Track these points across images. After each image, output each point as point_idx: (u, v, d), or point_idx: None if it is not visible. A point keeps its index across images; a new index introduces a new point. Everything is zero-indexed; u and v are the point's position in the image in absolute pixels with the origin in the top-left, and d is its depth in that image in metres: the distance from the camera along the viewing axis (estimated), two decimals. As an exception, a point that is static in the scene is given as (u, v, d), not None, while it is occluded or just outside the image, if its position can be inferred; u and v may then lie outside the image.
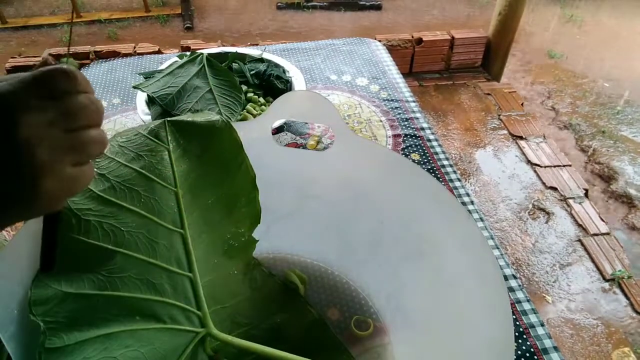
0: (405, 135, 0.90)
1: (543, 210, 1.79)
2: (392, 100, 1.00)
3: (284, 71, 0.92)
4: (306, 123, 0.91)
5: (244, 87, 0.88)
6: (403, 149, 0.87)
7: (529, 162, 1.99)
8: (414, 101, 1.00)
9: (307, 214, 0.59)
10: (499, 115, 2.25)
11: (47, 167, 0.27)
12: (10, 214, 0.28)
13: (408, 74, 2.50)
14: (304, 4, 3.33)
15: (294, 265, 0.62)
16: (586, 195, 1.84)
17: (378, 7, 3.33)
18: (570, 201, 1.80)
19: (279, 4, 3.35)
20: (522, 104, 2.32)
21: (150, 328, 0.39)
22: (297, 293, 0.54)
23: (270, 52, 0.98)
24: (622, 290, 1.51)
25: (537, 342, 0.58)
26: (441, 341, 0.44)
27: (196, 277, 0.44)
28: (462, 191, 0.78)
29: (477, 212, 0.75)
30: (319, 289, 0.60)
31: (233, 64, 0.93)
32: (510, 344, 0.36)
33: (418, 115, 0.96)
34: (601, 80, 2.59)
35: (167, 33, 3.04)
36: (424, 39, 2.40)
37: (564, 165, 1.96)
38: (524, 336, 0.58)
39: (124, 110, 0.98)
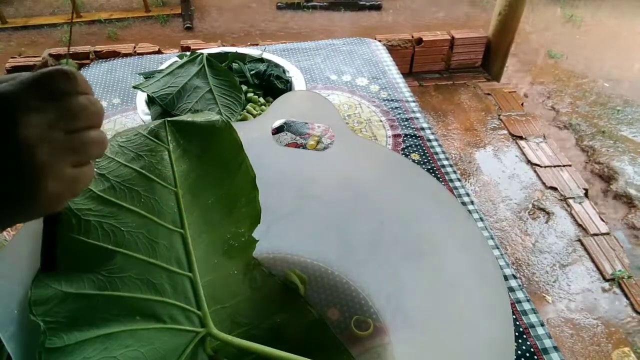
0: (405, 135, 0.90)
1: (543, 210, 1.79)
2: (392, 100, 1.00)
3: (284, 71, 0.92)
4: (306, 123, 0.91)
5: (244, 87, 0.88)
6: (403, 149, 0.87)
7: (529, 162, 1.99)
8: (414, 101, 1.00)
9: (307, 214, 0.59)
10: (499, 115, 2.25)
11: (48, 168, 0.27)
12: (10, 215, 0.28)
13: (408, 74, 2.50)
14: (304, 4, 3.33)
15: (294, 265, 0.62)
16: (586, 195, 1.84)
17: (378, 7, 3.33)
18: (570, 201, 1.80)
19: (279, 4, 3.35)
20: (522, 104, 2.32)
21: (150, 328, 0.39)
22: (297, 293, 0.54)
23: (270, 52, 0.98)
24: (622, 290, 1.51)
25: (537, 342, 0.58)
26: (441, 341, 0.44)
27: (196, 277, 0.44)
28: (462, 191, 0.78)
29: (477, 212, 0.75)
30: (319, 289, 0.60)
31: (233, 64, 0.93)
32: (510, 344, 0.36)
33: (418, 115, 0.96)
34: (601, 80, 2.59)
35: (167, 33, 3.04)
36: (424, 39, 2.40)
37: (564, 165, 1.96)
38: (524, 336, 0.58)
39: (124, 110, 0.98)
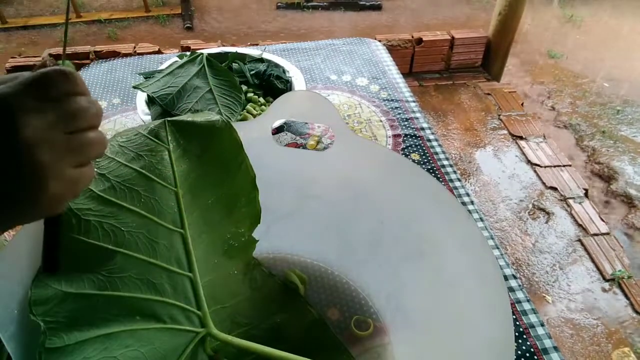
0: (405, 135, 0.90)
1: (543, 210, 1.79)
2: (392, 100, 1.00)
3: (284, 71, 0.92)
4: (306, 123, 0.91)
5: (244, 87, 0.88)
6: (403, 149, 0.87)
7: (529, 162, 1.99)
8: (414, 101, 1.00)
9: (307, 214, 0.59)
10: (499, 115, 2.25)
11: (49, 168, 0.27)
12: (11, 217, 0.28)
13: (408, 74, 2.50)
14: (304, 4, 3.33)
15: (294, 265, 0.62)
16: (586, 195, 1.84)
17: (378, 7, 3.33)
18: (570, 201, 1.80)
19: (279, 4, 3.35)
20: (522, 104, 2.32)
21: (150, 328, 0.39)
22: (297, 293, 0.54)
23: (270, 52, 0.98)
24: (622, 290, 1.51)
25: (537, 342, 0.58)
26: (441, 341, 0.44)
27: (196, 277, 0.44)
28: (462, 191, 0.78)
29: (477, 212, 0.75)
30: (319, 289, 0.60)
31: (233, 64, 0.93)
32: (510, 344, 0.36)
33: (418, 115, 0.96)
34: (601, 80, 2.59)
35: (167, 33, 3.04)
36: (424, 39, 2.40)
37: (564, 165, 1.96)
38: (524, 336, 0.58)
39: (124, 110, 0.98)
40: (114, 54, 2.19)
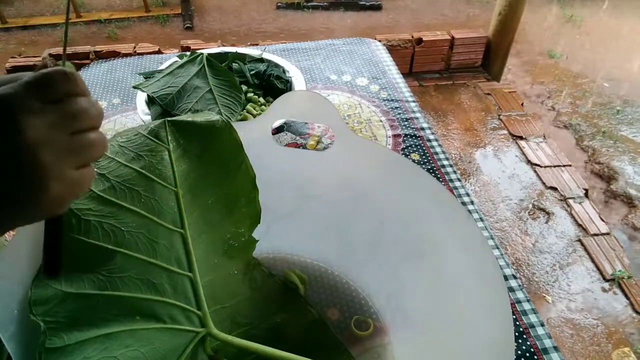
0: (405, 135, 0.90)
1: (543, 210, 1.79)
2: (392, 100, 1.00)
3: (284, 71, 0.92)
4: (306, 123, 0.91)
5: (244, 87, 0.88)
6: (403, 149, 0.87)
7: (529, 162, 1.99)
8: (414, 101, 1.00)
9: (307, 214, 0.59)
10: (499, 115, 2.25)
11: (51, 169, 0.27)
12: (12, 217, 0.28)
13: (408, 74, 2.50)
14: (304, 4, 3.33)
15: (294, 265, 0.62)
16: (586, 195, 1.84)
17: (378, 7, 3.33)
18: (570, 201, 1.80)
19: (279, 4, 3.35)
20: (522, 104, 2.32)
21: (150, 328, 0.39)
22: (297, 293, 0.54)
23: (270, 52, 0.98)
24: (622, 290, 1.51)
25: (537, 342, 0.58)
26: (441, 341, 0.44)
27: (196, 277, 0.44)
28: (462, 191, 0.78)
29: (477, 212, 0.75)
30: (319, 289, 0.60)
31: (233, 64, 0.93)
32: (510, 344, 0.36)
33: (418, 115, 0.96)
34: (601, 80, 2.59)
35: (167, 33, 3.04)
36: (424, 39, 2.40)
37: (564, 165, 1.96)
38: (524, 336, 0.58)
39: (124, 110, 0.98)
40: (114, 54, 2.19)
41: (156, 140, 0.45)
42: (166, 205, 0.43)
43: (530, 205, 1.81)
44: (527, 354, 0.57)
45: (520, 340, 0.58)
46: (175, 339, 0.41)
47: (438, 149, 0.87)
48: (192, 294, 0.43)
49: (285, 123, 0.89)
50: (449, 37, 2.44)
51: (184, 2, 3.22)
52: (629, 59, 2.79)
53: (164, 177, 0.44)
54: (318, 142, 0.87)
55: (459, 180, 0.81)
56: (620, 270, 1.55)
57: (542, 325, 0.60)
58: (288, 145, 0.86)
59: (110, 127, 0.93)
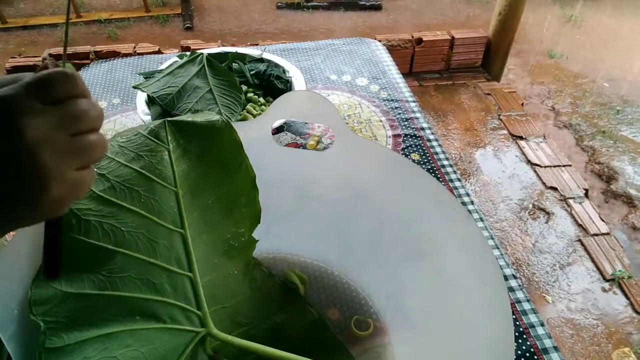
0: (405, 135, 0.90)
1: (543, 210, 1.79)
2: (392, 100, 1.00)
3: (284, 71, 0.92)
4: (306, 123, 0.91)
5: (244, 87, 0.88)
6: (403, 149, 0.87)
7: (529, 162, 1.99)
8: (414, 101, 1.00)
9: (307, 214, 0.59)
10: (499, 115, 2.25)
11: (52, 171, 0.27)
12: (12, 218, 0.28)
13: (408, 74, 2.49)
14: (304, 4, 3.33)
15: (294, 265, 0.62)
16: (586, 195, 1.84)
17: (378, 7, 3.33)
18: (571, 201, 1.80)
19: (279, 4, 3.35)
20: (522, 104, 2.32)
21: (150, 328, 0.39)
22: (297, 293, 0.54)
23: (270, 52, 0.98)
24: (622, 290, 1.51)
25: (537, 342, 0.58)
26: (441, 341, 0.44)
27: (196, 277, 0.44)
28: (462, 191, 0.78)
29: (477, 212, 0.75)
30: (319, 289, 0.60)
31: (233, 64, 0.93)
32: (510, 344, 0.36)
33: (418, 115, 0.96)
34: (601, 80, 2.59)
35: (167, 33, 3.04)
36: (424, 39, 2.40)
37: (564, 165, 1.96)
38: (524, 336, 0.58)
39: (124, 110, 0.98)
40: (114, 54, 2.19)
41: (156, 140, 0.45)
42: (166, 205, 0.43)
43: (530, 205, 1.81)
44: (527, 354, 0.57)
45: (520, 340, 0.58)
46: (175, 339, 0.41)
47: (438, 149, 0.87)
48: (192, 294, 0.43)
49: (285, 123, 0.89)
50: (449, 37, 2.44)
51: (184, 2, 3.22)
52: (629, 59, 2.79)
53: (164, 177, 0.44)
54: (318, 142, 0.87)
55: (459, 180, 0.81)
56: (620, 270, 1.55)
57: (542, 325, 0.60)
58: (288, 145, 0.86)
59: (110, 127, 0.93)
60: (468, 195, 0.78)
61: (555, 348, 0.57)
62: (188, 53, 0.91)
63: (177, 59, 0.92)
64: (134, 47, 2.25)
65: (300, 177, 0.56)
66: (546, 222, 1.74)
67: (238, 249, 0.50)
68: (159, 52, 2.23)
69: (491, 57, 2.50)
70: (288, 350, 0.42)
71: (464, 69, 2.55)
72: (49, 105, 0.27)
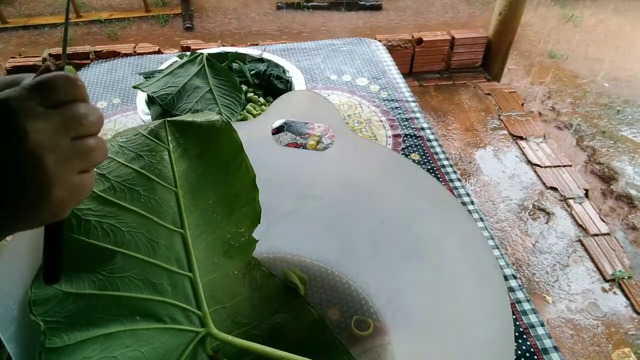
0: (405, 135, 0.90)
1: (543, 210, 1.79)
2: (392, 100, 1.00)
3: (284, 71, 0.92)
4: (306, 123, 0.91)
5: (244, 87, 0.88)
6: (403, 149, 0.87)
7: (529, 162, 1.99)
8: (414, 101, 1.00)
9: (307, 214, 0.59)
10: (499, 115, 2.25)
11: (54, 175, 0.27)
12: (13, 222, 0.28)
13: (408, 74, 2.49)
14: (304, 4, 3.33)
15: (294, 265, 0.62)
16: (586, 195, 1.84)
17: (378, 7, 3.33)
18: (571, 201, 1.80)
19: (279, 4, 3.35)
20: (522, 104, 2.32)
21: (150, 328, 0.39)
22: (297, 293, 0.54)
23: (270, 52, 0.98)
24: (623, 291, 1.51)
25: (537, 342, 0.58)
26: (441, 341, 0.44)
27: (196, 277, 0.44)
28: (462, 191, 0.78)
29: (477, 212, 0.75)
30: (319, 289, 0.60)
31: (233, 64, 0.93)
32: (510, 344, 0.36)
33: (418, 115, 0.96)
34: (601, 80, 2.59)
35: (167, 33, 3.04)
36: (424, 39, 2.40)
37: (564, 166, 1.96)
38: (524, 336, 0.58)
39: (124, 110, 0.98)
40: (114, 54, 2.19)
41: (156, 140, 0.45)
42: (166, 205, 0.43)
43: (531, 206, 1.81)
44: (527, 354, 0.57)
45: (520, 340, 0.58)
46: (175, 339, 0.41)
47: (438, 149, 0.87)
48: (192, 294, 0.43)
49: (285, 123, 0.89)
50: (449, 37, 2.44)
51: (184, 2, 3.22)
52: (629, 59, 2.79)
53: (164, 177, 0.44)
54: (318, 142, 0.87)
55: (459, 180, 0.81)
56: (620, 271, 1.55)
57: (542, 325, 0.60)
58: (288, 145, 0.86)
59: (110, 127, 0.93)
60: (468, 195, 0.78)
61: (555, 348, 0.57)
62: (188, 53, 0.91)
63: (177, 59, 0.92)
64: (134, 47, 2.25)
65: (300, 177, 0.56)
66: (546, 223, 1.74)
67: (238, 249, 0.50)
68: (159, 52, 2.23)
69: (491, 57, 2.50)
70: (288, 350, 0.42)
71: (464, 69, 2.55)
72: (51, 109, 0.27)
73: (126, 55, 2.13)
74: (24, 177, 0.26)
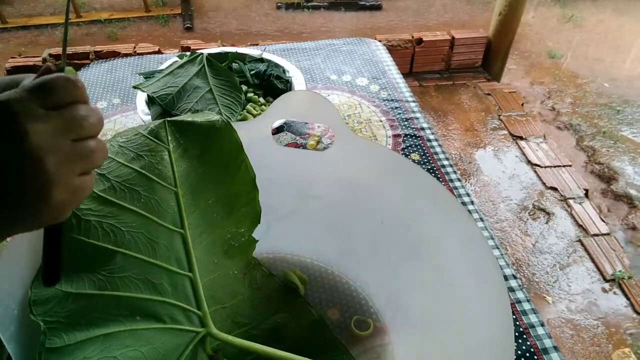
0: (405, 135, 0.90)
1: (543, 210, 1.79)
2: (392, 100, 1.00)
3: (284, 71, 0.92)
4: (306, 123, 0.91)
5: (244, 87, 0.88)
6: (403, 149, 0.87)
7: (529, 162, 1.99)
8: (414, 101, 1.00)
9: (307, 214, 0.59)
10: (499, 115, 2.25)
11: (55, 177, 0.27)
12: (13, 224, 0.28)
13: (408, 74, 2.50)
14: (304, 4, 3.33)
15: (294, 265, 0.62)
16: (586, 195, 1.84)
17: (378, 7, 3.33)
18: (571, 201, 1.80)
19: (279, 4, 3.35)
20: (522, 104, 2.32)
21: (150, 328, 0.39)
22: (297, 293, 0.54)
23: (270, 52, 0.98)
24: (623, 291, 1.51)
25: (537, 342, 0.58)
26: (441, 341, 0.44)
27: (196, 277, 0.44)
28: (462, 191, 0.78)
29: (477, 212, 0.75)
30: (319, 289, 0.60)
31: (233, 64, 0.93)
32: (510, 344, 0.36)
33: (418, 115, 0.96)
34: (601, 80, 2.59)
35: (167, 33, 3.04)
36: (424, 39, 2.40)
37: (564, 166, 1.96)
38: (524, 336, 0.58)
39: (124, 110, 0.98)
40: (114, 54, 2.19)
41: (156, 140, 0.45)
42: (166, 205, 0.43)
43: (531, 206, 1.81)
44: (527, 354, 0.57)
45: (520, 340, 0.58)
46: (175, 339, 0.41)
47: (438, 149, 0.87)
48: (192, 294, 0.43)
49: (285, 123, 0.89)
50: (449, 37, 2.44)
51: (184, 2, 3.22)
52: (629, 59, 2.79)
53: (164, 177, 0.44)
54: (318, 142, 0.87)
55: (459, 180, 0.81)
56: (620, 271, 1.55)
57: (542, 325, 0.60)
58: (288, 145, 0.86)
59: (110, 127, 0.93)
60: (468, 195, 0.78)
61: (555, 348, 0.57)
62: (188, 53, 0.91)
63: (177, 59, 0.92)
64: (134, 47, 2.25)
65: (300, 177, 0.56)
66: (546, 223, 1.74)
67: (238, 249, 0.50)
68: (159, 52, 2.23)
69: (491, 57, 2.50)
70: (288, 350, 0.42)
71: (464, 69, 2.55)
72: (51, 111, 0.27)
73: (126, 55, 2.13)
74: (24, 179, 0.26)
